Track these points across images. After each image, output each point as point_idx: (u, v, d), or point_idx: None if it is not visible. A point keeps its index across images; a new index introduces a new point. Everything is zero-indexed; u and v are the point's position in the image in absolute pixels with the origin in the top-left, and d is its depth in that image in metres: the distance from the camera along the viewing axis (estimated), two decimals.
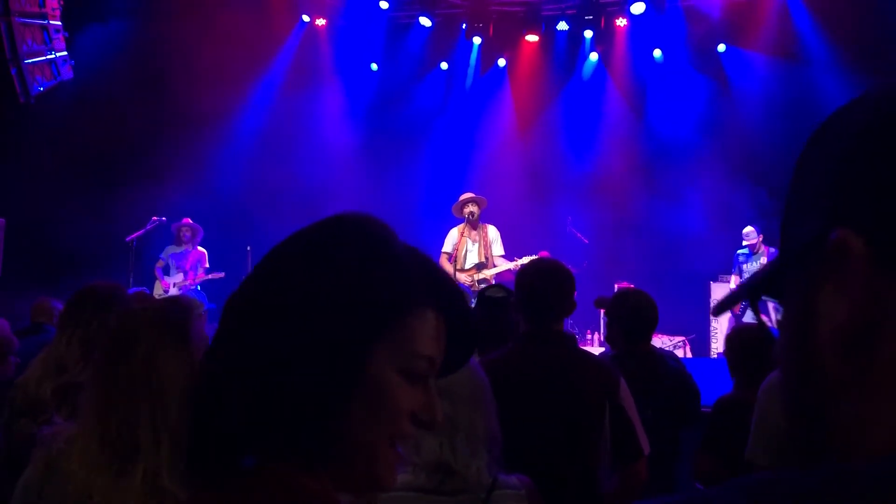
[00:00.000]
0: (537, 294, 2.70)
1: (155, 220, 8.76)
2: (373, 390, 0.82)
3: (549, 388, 2.55)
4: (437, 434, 1.79)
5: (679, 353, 8.50)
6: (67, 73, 7.75)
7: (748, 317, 8.40)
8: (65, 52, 7.74)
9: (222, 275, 8.96)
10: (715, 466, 3.12)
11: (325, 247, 0.87)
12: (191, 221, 9.08)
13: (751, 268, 8.61)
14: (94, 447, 1.65)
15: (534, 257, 8.14)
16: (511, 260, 8.24)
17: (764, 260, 8.49)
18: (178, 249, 9.05)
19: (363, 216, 0.92)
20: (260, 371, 0.80)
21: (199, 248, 9.13)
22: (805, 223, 0.57)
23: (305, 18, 11.60)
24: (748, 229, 8.66)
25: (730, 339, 3.60)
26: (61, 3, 7.63)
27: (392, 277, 0.84)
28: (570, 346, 2.74)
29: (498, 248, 8.37)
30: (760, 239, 8.63)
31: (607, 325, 3.66)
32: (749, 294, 0.63)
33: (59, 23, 7.66)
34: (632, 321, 3.53)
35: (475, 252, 8.31)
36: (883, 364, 0.50)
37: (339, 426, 0.81)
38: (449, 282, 0.92)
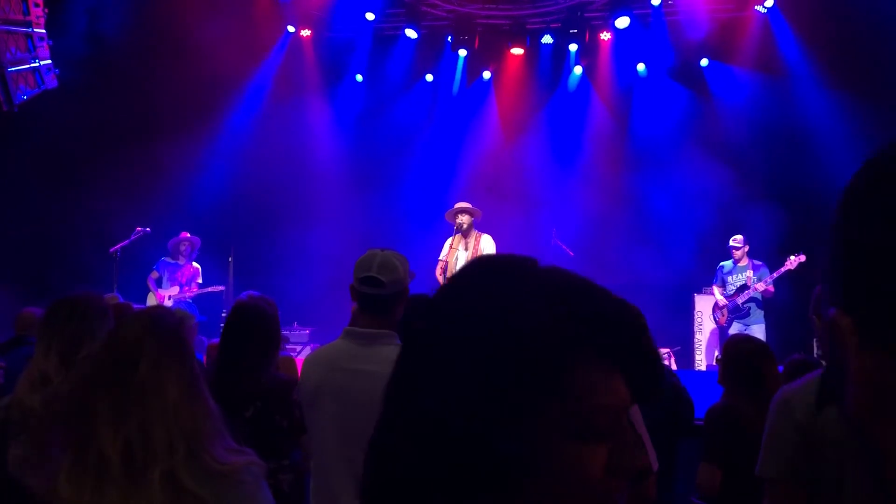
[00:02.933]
0: None
1: (139, 231, 8.69)
2: (550, 462, 0.72)
3: None
4: None
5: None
6: (52, 81, 7.65)
7: (734, 329, 8.46)
8: (49, 61, 7.65)
9: (222, 288, 8.90)
10: (717, 478, 3.13)
11: (457, 313, 0.77)
12: (189, 235, 9.02)
13: (735, 280, 8.66)
14: (110, 460, 1.64)
15: None
16: None
17: (750, 273, 8.54)
18: (172, 262, 8.99)
19: (501, 261, 0.83)
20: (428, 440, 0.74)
21: (195, 263, 9.08)
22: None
23: (291, 29, 11.59)
24: (737, 237, 8.72)
25: (727, 349, 3.60)
26: (46, 11, 7.55)
27: (540, 333, 0.72)
28: None
29: None
30: (746, 249, 8.68)
31: None
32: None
33: (44, 31, 7.57)
34: None
35: (463, 261, 8.31)
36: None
37: (525, 495, 0.72)
38: (613, 312, 0.77)
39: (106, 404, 1.68)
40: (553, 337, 0.72)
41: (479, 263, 0.82)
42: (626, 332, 0.76)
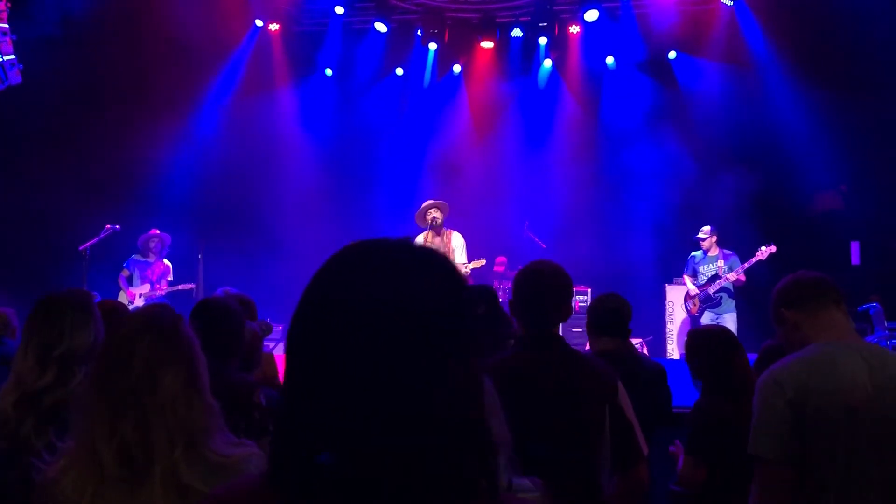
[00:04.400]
0: (535, 299, 2.68)
1: (108, 229, 8.55)
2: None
3: (550, 393, 2.55)
4: None
5: None
6: (16, 77, 7.52)
7: (706, 318, 8.57)
8: (13, 56, 7.51)
9: (192, 286, 8.80)
10: (701, 472, 3.17)
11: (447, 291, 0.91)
12: (158, 232, 8.93)
13: (706, 270, 8.75)
14: (105, 461, 1.63)
15: (481, 262, 8.19)
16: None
17: (721, 263, 8.63)
18: (143, 260, 8.88)
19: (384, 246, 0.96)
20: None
21: (165, 260, 9.00)
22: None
23: (259, 23, 11.47)
24: (705, 228, 8.81)
25: (695, 345, 3.59)
26: (9, 5, 7.40)
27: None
28: (568, 350, 2.71)
29: (460, 256, 8.38)
30: (714, 239, 8.77)
31: (587, 325, 3.73)
32: None
33: (7, 25, 7.43)
34: (605, 321, 3.60)
35: None
36: None
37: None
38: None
39: (102, 405, 1.67)
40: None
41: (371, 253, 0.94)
42: None
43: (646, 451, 2.63)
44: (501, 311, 3.57)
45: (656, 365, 3.79)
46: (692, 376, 3.52)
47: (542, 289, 2.68)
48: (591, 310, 3.72)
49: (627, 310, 3.64)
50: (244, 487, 0.95)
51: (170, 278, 8.99)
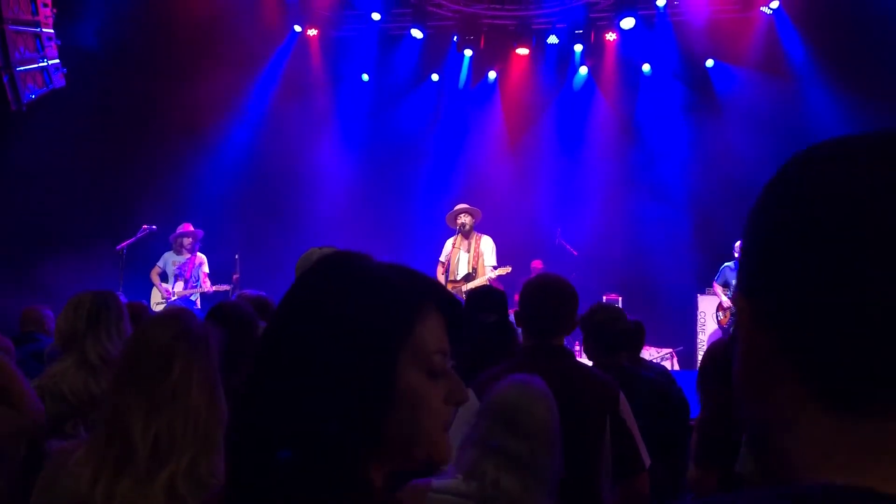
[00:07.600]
0: (540, 310, 2.72)
1: (145, 229, 8.72)
2: (409, 396, 0.92)
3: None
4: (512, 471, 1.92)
5: (666, 364, 8.56)
6: (60, 81, 7.72)
7: None
8: (57, 60, 7.71)
9: (228, 287, 8.89)
10: (712, 480, 3.15)
11: (328, 291, 0.94)
12: (191, 228, 8.96)
13: None
14: (123, 454, 1.68)
15: (507, 269, 8.17)
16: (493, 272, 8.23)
17: None
18: (178, 258, 8.94)
19: (341, 254, 1.00)
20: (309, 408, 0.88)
21: (199, 254, 9.03)
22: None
23: (297, 28, 11.64)
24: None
25: (707, 357, 3.56)
26: (54, 11, 7.63)
27: (389, 297, 0.93)
28: (571, 361, 2.75)
29: (490, 259, 8.35)
30: None
31: (583, 338, 3.73)
32: None
33: (52, 31, 7.64)
34: (601, 335, 3.59)
35: (465, 262, 8.34)
36: (776, 405, 0.59)
37: (388, 431, 0.90)
38: (432, 280, 1.01)
39: (139, 400, 1.70)
40: (398, 303, 0.93)
41: (338, 262, 0.98)
42: (444, 296, 0.99)
43: (647, 462, 2.64)
44: (508, 320, 3.60)
45: (666, 377, 3.77)
46: (697, 387, 3.52)
47: (547, 301, 2.72)
48: (582, 323, 3.66)
49: (620, 324, 3.57)
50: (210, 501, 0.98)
51: (205, 270, 9.01)
